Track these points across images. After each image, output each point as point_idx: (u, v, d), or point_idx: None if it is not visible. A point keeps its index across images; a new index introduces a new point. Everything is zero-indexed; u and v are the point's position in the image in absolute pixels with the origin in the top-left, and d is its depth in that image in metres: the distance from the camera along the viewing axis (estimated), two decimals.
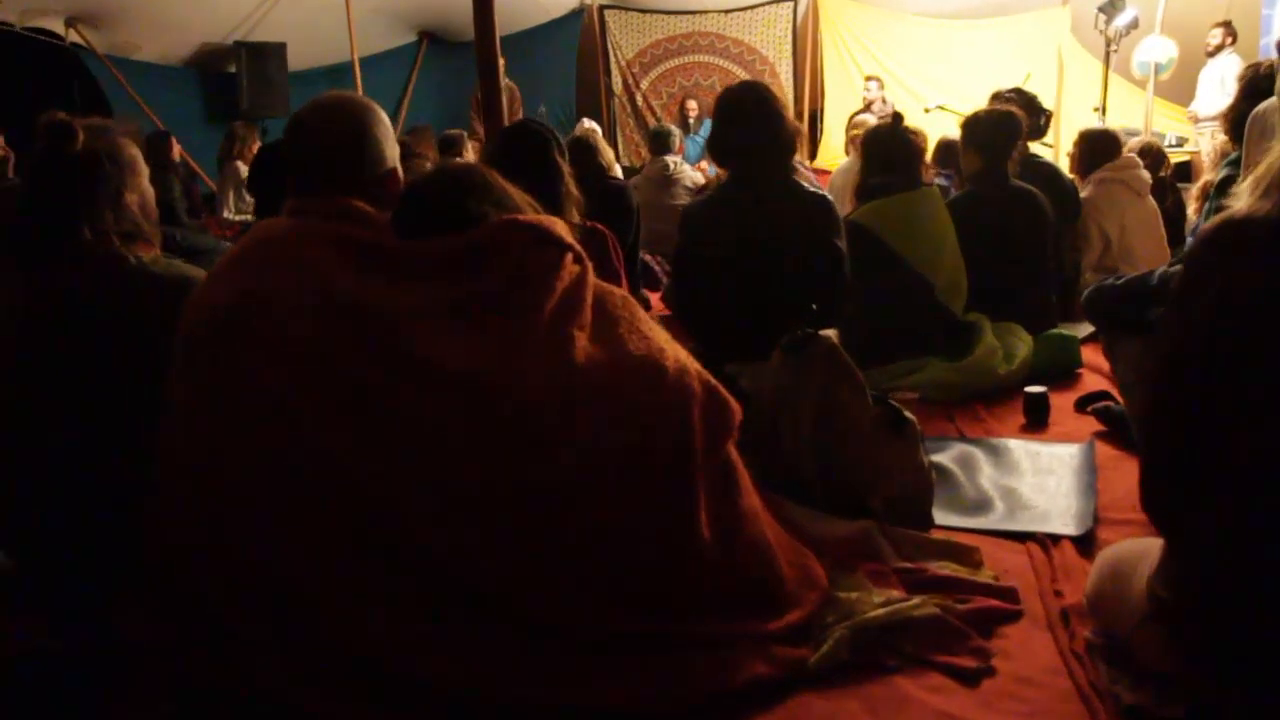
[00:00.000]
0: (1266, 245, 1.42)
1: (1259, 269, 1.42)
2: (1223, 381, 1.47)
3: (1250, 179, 1.55)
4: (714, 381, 1.84)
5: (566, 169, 2.79)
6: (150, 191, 2.27)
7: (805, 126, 10.27)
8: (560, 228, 1.82)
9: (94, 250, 2.07)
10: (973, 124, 4.21)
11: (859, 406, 2.38)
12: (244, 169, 7.19)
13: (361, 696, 1.58)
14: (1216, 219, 1.51)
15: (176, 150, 7.05)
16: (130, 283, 2.07)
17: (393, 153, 1.92)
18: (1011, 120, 4.15)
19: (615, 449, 1.65)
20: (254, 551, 1.65)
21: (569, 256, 1.80)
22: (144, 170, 2.26)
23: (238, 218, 7.16)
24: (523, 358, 1.65)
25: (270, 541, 1.64)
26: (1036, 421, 3.29)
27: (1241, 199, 1.55)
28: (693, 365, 1.81)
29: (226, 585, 1.68)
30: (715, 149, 2.97)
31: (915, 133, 3.89)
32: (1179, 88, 8.68)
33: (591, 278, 1.82)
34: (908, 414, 2.43)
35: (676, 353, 1.80)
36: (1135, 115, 8.32)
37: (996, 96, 5.03)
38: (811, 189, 2.87)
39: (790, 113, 2.87)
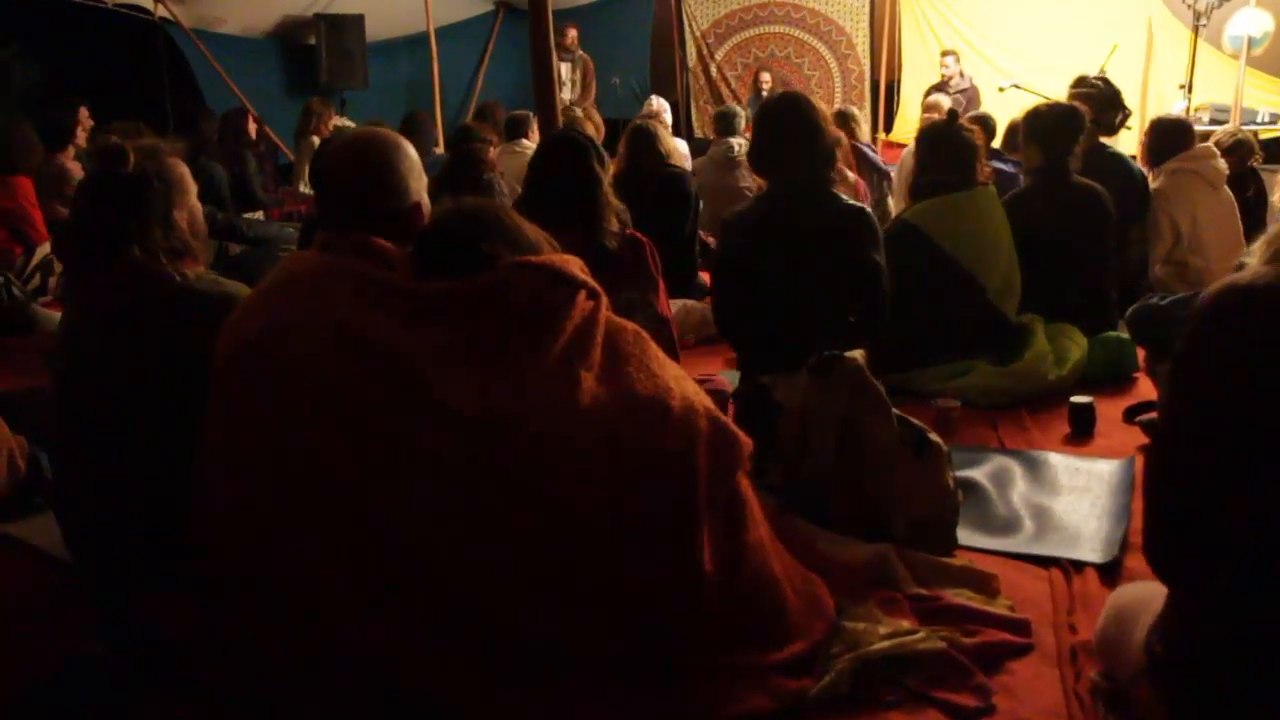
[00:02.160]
0: (1269, 314, 1.40)
1: (1261, 338, 1.40)
2: (1223, 450, 1.46)
3: (1263, 239, 1.52)
4: (723, 418, 1.87)
5: (606, 178, 2.83)
6: (199, 208, 2.38)
7: (882, 98, 10.11)
8: (574, 266, 1.86)
9: (143, 268, 2.18)
10: (1034, 118, 4.11)
11: (882, 429, 2.39)
12: (319, 144, 7.37)
13: (364, 708, 1.69)
14: (1221, 283, 1.48)
15: (254, 127, 7.22)
16: (176, 300, 2.17)
17: (417, 186, 1.99)
18: (1074, 116, 4.04)
19: (618, 488, 1.71)
20: (275, 569, 1.76)
21: (581, 294, 1.84)
22: (192, 188, 2.36)
23: (312, 191, 7.34)
24: (528, 399, 1.70)
25: (289, 562, 1.74)
26: (1081, 433, 3.25)
27: (1254, 257, 1.53)
28: (701, 402, 1.85)
29: (248, 600, 1.79)
30: (755, 161, 2.98)
31: (971, 130, 3.82)
32: (1277, 60, 8.30)
33: (604, 314, 1.87)
34: (933, 436, 2.43)
35: (684, 390, 1.84)
36: (1227, 91, 7.98)
37: (1081, 82, 4.86)
38: (850, 202, 2.85)
39: (830, 124, 2.85)
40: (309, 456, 1.71)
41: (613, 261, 2.80)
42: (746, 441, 1.92)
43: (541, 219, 2.82)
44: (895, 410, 2.48)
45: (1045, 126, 4.05)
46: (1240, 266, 1.59)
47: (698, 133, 10.01)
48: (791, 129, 2.83)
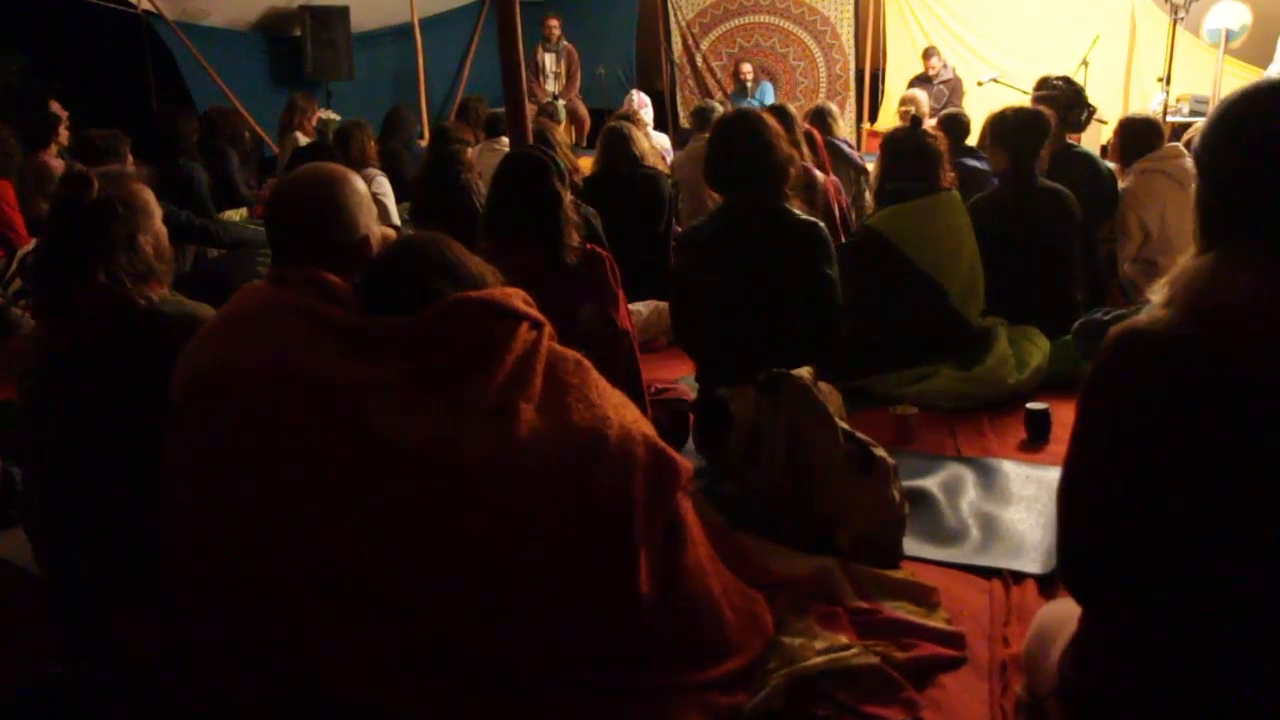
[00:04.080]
0: (1159, 359, 1.46)
1: (1153, 384, 1.46)
2: (1118, 485, 1.53)
3: (1164, 279, 1.58)
4: (660, 444, 1.93)
5: (566, 196, 2.88)
6: (163, 231, 2.42)
7: (867, 88, 10.13)
8: (516, 298, 1.92)
9: (107, 293, 2.23)
10: (999, 122, 4.17)
11: (828, 444, 2.46)
12: (302, 139, 7.39)
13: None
14: (1121, 326, 1.55)
15: (241, 124, 7.22)
16: (140, 323, 2.23)
17: (366, 220, 2.04)
18: (1039, 121, 4.11)
19: (555, 518, 1.77)
20: (230, 595, 1.82)
21: (524, 326, 1.90)
22: (156, 213, 2.41)
23: None
24: (467, 431, 1.76)
25: (243, 587, 1.81)
26: (1037, 439, 3.32)
27: (1156, 295, 1.59)
28: (640, 430, 1.91)
29: (207, 622, 1.87)
30: (709, 177, 3.04)
31: (934, 136, 3.88)
32: (1259, 50, 8.33)
33: (546, 344, 1.93)
34: (879, 451, 2.50)
35: (623, 419, 1.90)
36: (1207, 81, 8.02)
37: (1043, 84, 4.94)
38: (802, 217, 2.91)
39: (783, 140, 2.91)
40: (258, 487, 1.77)
41: (573, 276, 2.86)
42: (686, 466, 1.99)
43: (503, 235, 2.91)
44: (844, 425, 2.55)
45: (1009, 131, 4.11)
46: None
47: (683, 123, 10.01)
48: (743, 146, 2.89)
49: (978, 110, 7.08)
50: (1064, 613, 1.90)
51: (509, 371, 1.84)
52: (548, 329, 1.97)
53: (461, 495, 1.75)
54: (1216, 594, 1.50)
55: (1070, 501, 1.63)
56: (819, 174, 4.69)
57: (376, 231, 2.10)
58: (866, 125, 9.91)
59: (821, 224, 2.91)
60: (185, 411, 1.89)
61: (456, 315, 1.84)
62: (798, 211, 2.92)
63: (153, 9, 8.49)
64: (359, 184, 2.06)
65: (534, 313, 1.95)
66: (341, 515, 1.75)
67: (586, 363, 1.98)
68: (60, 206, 2.34)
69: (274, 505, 1.77)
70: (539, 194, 2.83)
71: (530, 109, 8.25)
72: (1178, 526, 1.48)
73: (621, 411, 1.92)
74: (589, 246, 2.93)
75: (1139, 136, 4.81)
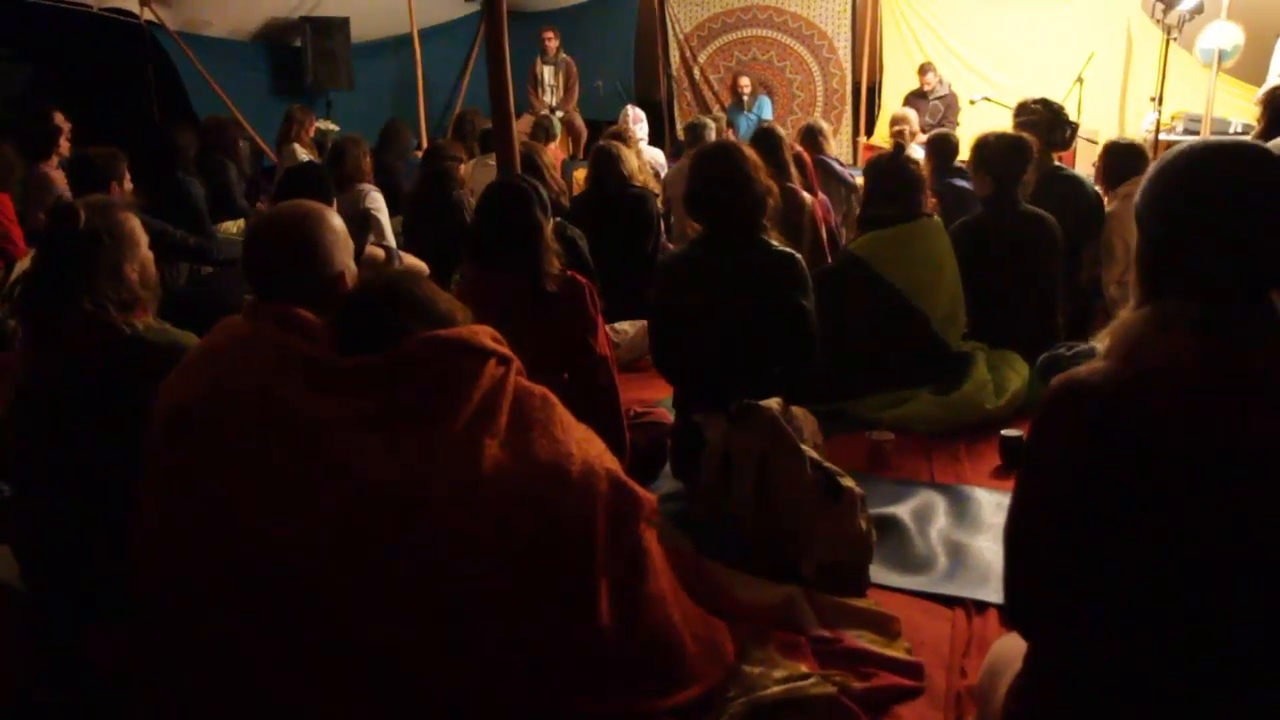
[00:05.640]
0: (1092, 412, 1.51)
1: (1089, 438, 1.51)
2: (1057, 531, 1.58)
3: (1108, 329, 1.64)
4: (623, 478, 1.99)
5: (548, 225, 2.94)
6: (149, 258, 2.48)
7: (864, 101, 10.19)
8: (484, 336, 1.97)
9: (92, 321, 2.29)
10: (982, 147, 4.22)
11: (796, 475, 2.51)
12: (300, 151, 7.46)
13: None
14: (1061, 377, 1.60)
15: (244, 145, 7.29)
16: (124, 351, 2.29)
17: (341, 257, 2.10)
18: (1021, 147, 4.16)
19: (517, 552, 1.82)
20: (202, 623, 1.88)
21: (491, 362, 1.96)
22: (142, 240, 2.46)
23: None
24: (433, 466, 1.82)
25: (215, 614, 1.87)
26: (1011, 466, 3.37)
27: (1100, 344, 1.64)
28: (603, 464, 1.97)
29: (180, 647, 1.92)
30: (688, 207, 3.09)
31: (915, 163, 3.94)
32: (1253, 68, 8.37)
33: (513, 379, 1.98)
34: (846, 482, 2.55)
35: (586, 454, 1.96)
36: (1201, 100, 8.07)
37: (1022, 110, 5.00)
38: (779, 248, 2.97)
39: (762, 172, 2.96)
40: (229, 520, 1.83)
41: (553, 304, 2.92)
42: (649, 499, 2.04)
43: (485, 262, 2.97)
44: (813, 454, 2.60)
45: (991, 156, 4.16)
46: None
47: (680, 136, 10.09)
48: (721, 178, 2.94)
49: (973, 127, 7.14)
50: (1016, 647, 1.94)
51: (475, 408, 1.90)
52: (515, 364, 2.03)
53: (427, 529, 1.80)
54: (1149, 637, 1.55)
55: (1013, 541, 1.68)
56: (806, 196, 4.75)
57: (353, 267, 2.16)
58: (863, 139, 9.96)
59: (798, 255, 2.96)
60: (163, 444, 1.94)
61: (424, 353, 1.89)
62: (775, 242, 2.98)
63: (155, 19, 8.57)
64: (335, 221, 2.12)
65: (502, 349, 2.00)
66: (310, 548, 1.81)
67: (553, 398, 2.03)
68: (47, 237, 2.40)
69: (244, 537, 1.83)
70: (520, 224, 2.88)
71: (527, 120, 8.35)
72: (1110, 573, 1.53)
73: (585, 446, 1.98)
74: (569, 273, 2.98)
75: (1123, 160, 4.86)
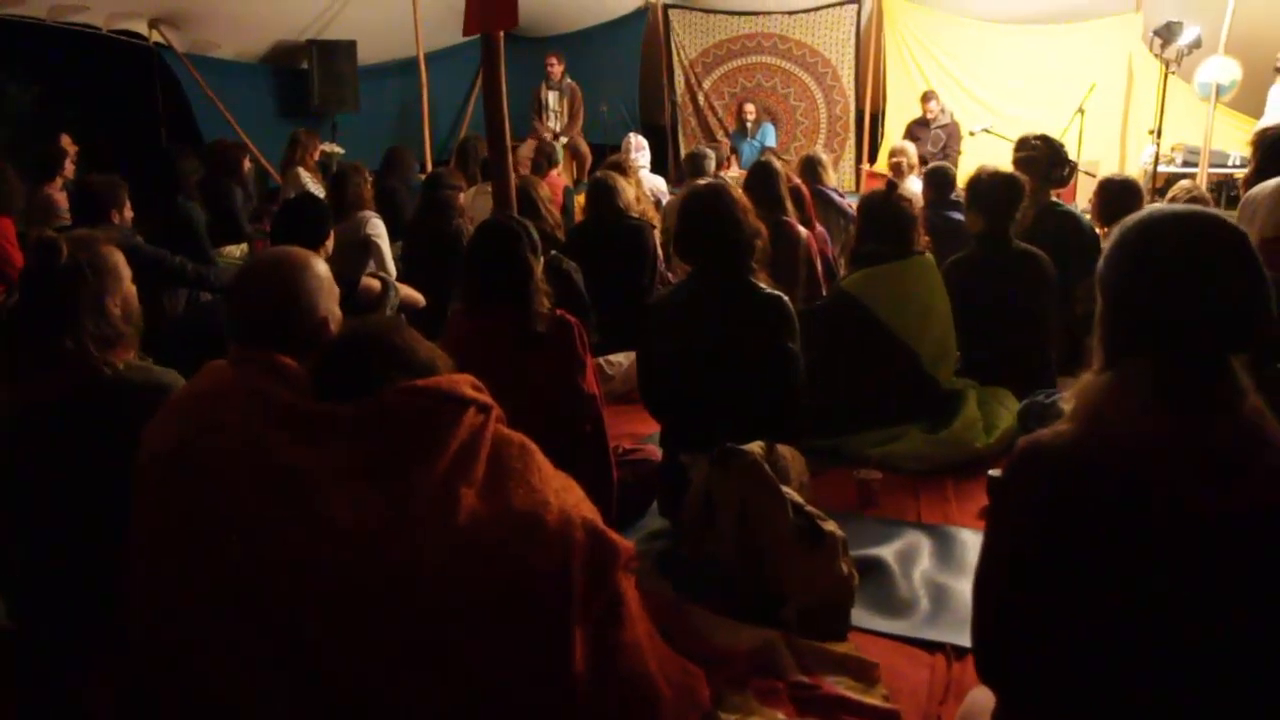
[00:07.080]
0: (1055, 474, 1.53)
1: (1049, 501, 1.53)
2: (1020, 587, 1.60)
3: (1072, 388, 1.66)
4: (600, 527, 2.00)
5: (538, 266, 2.96)
6: (133, 293, 2.48)
7: (867, 129, 10.24)
8: (463, 385, 1.99)
9: (72, 360, 2.29)
10: (975, 184, 4.26)
11: (777, 519, 2.53)
12: (304, 175, 7.52)
13: None
14: (1026, 439, 1.62)
15: (248, 165, 7.33)
16: (105, 391, 2.30)
17: (325, 304, 2.13)
18: (1013, 185, 4.19)
19: (491, 603, 1.84)
20: (186, 667, 1.90)
21: (470, 411, 1.97)
22: (125, 275, 2.46)
23: None
24: (408, 515, 1.84)
25: (197, 660, 1.89)
26: None
27: (1066, 404, 1.66)
28: (579, 513, 1.98)
29: (163, 691, 1.94)
30: (677, 248, 3.12)
31: (908, 200, 3.96)
32: (1251, 100, 8.41)
33: (492, 428, 2.00)
34: (828, 526, 2.56)
35: (563, 503, 1.97)
36: (1200, 133, 8.10)
37: (1022, 145, 5.03)
38: (767, 291, 2.99)
39: (751, 215, 2.99)
40: (211, 568, 1.85)
41: (541, 343, 2.94)
42: (626, 547, 2.05)
43: (474, 301, 3.00)
44: (795, 497, 2.62)
45: (983, 194, 4.19)
46: None
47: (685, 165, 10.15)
48: (711, 220, 2.97)
49: (974, 157, 7.18)
50: (988, 698, 1.95)
51: (452, 457, 1.91)
52: (495, 412, 2.04)
53: (403, 579, 1.81)
54: (1115, 697, 1.56)
55: (981, 595, 1.70)
56: (802, 230, 4.77)
57: (337, 313, 2.18)
58: (866, 166, 10.01)
59: (785, 298, 2.98)
60: (146, 491, 1.97)
61: (402, 403, 1.91)
62: (763, 285, 3.00)
63: (163, 41, 8.67)
64: (320, 268, 2.15)
65: (482, 397, 2.02)
66: (288, 596, 1.82)
67: (531, 445, 2.05)
68: (28, 272, 2.42)
69: (225, 585, 1.85)
70: (510, 265, 2.91)
71: (531, 145, 8.40)
72: (1072, 633, 1.55)
73: (562, 496, 1.99)
74: (558, 312, 3.00)
75: (1118, 197, 4.88)
